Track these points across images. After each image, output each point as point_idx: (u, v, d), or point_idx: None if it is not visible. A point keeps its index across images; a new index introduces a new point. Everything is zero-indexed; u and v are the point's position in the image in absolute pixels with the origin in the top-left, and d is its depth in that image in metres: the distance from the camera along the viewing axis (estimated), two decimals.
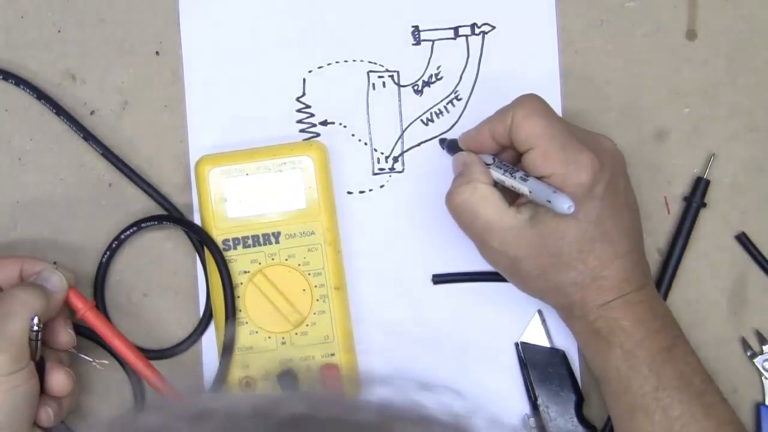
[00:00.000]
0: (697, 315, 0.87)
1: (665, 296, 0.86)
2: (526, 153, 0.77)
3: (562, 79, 0.87)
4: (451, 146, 0.83)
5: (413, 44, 0.87)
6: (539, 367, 0.86)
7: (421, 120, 0.87)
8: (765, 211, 0.87)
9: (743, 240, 0.87)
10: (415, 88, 0.87)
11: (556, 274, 0.77)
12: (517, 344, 0.86)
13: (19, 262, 0.80)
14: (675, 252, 0.86)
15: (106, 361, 0.83)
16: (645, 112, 0.88)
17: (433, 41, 0.87)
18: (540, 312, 0.86)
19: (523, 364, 0.86)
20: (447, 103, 0.87)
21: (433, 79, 0.87)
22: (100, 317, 0.82)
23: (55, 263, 0.83)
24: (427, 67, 0.87)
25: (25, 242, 0.85)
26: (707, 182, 0.87)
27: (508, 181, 0.78)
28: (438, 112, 0.87)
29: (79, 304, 0.81)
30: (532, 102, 0.78)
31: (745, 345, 0.87)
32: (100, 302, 0.85)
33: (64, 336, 0.80)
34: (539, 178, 0.76)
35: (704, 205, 0.87)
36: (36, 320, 0.76)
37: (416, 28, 0.87)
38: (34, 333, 0.76)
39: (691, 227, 0.86)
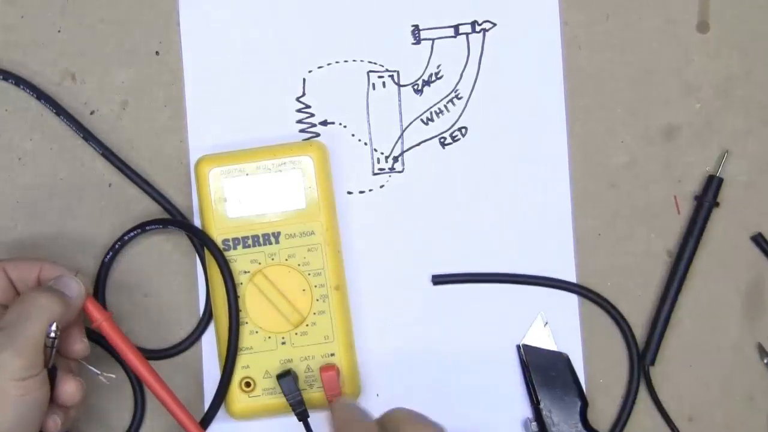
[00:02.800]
0: (711, 320, 0.84)
1: (674, 300, 0.83)
2: None
3: (566, 75, 0.85)
4: None
5: (413, 43, 0.86)
6: (542, 370, 0.83)
7: (421, 119, 0.86)
8: None
9: (759, 241, 0.84)
10: (415, 87, 0.86)
11: None
12: (518, 346, 0.84)
13: (38, 265, 0.78)
14: (685, 254, 0.84)
15: (113, 375, 0.81)
16: (654, 108, 0.85)
17: (433, 40, 0.86)
18: (542, 314, 0.84)
19: (525, 366, 0.84)
20: (447, 102, 0.86)
21: (433, 78, 0.86)
22: (116, 329, 0.80)
23: (77, 273, 0.79)
24: (427, 66, 0.86)
25: (25, 242, 0.86)
26: (720, 180, 0.84)
27: None
28: (438, 111, 0.86)
29: (96, 314, 0.79)
30: None
31: (762, 351, 0.84)
32: (101, 302, 0.85)
33: (79, 345, 0.79)
34: None
35: (717, 204, 0.84)
36: (54, 326, 0.74)
37: (416, 27, 0.86)
38: (51, 340, 0.74)
39: (702, 228, 0.84)
